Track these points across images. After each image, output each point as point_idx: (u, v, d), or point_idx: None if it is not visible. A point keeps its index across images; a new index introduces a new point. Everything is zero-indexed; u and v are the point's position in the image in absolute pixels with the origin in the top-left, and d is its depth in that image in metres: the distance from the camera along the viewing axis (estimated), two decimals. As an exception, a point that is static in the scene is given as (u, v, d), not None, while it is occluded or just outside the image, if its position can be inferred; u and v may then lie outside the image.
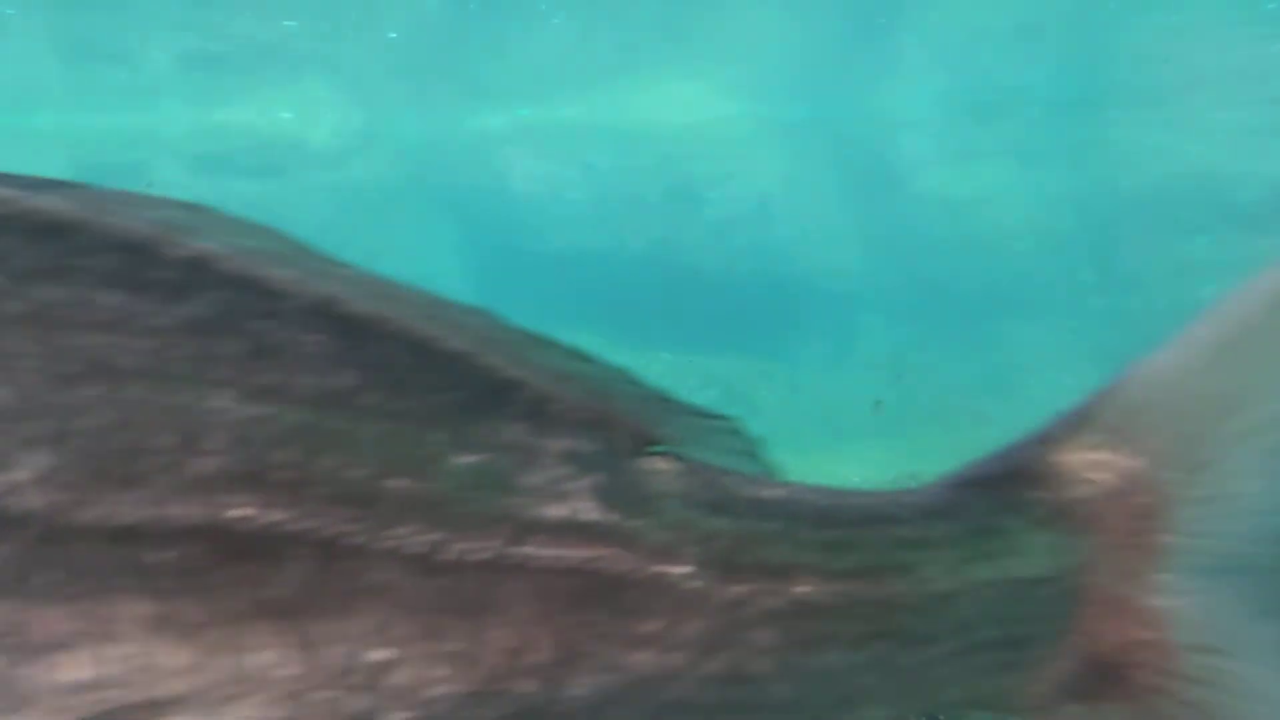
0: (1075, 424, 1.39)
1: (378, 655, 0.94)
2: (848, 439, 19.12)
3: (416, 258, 21.91)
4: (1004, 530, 1.23)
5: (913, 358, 21.27)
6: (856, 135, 24.38)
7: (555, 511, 1.03)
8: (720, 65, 22.51)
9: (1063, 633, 1.22)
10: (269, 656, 0.90)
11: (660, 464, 1.12)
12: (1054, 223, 22.93)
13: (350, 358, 1.02)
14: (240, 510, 0.91)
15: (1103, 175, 23.07)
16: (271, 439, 0.93)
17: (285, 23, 19.51)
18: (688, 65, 22.49)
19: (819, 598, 1.12)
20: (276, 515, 0.92)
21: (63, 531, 0.86)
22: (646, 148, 22.60)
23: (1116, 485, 1.26)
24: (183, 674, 0.87)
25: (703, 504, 1.11)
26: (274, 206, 20.74)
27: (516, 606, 0.99)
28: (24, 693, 0.83)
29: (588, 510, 1.04)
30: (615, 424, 1.10)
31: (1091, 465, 1.30)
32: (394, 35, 20.38)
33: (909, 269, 22.66)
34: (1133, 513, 1.24)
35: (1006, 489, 1.26)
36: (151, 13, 18.69)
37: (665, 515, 1.08)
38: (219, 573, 0.90)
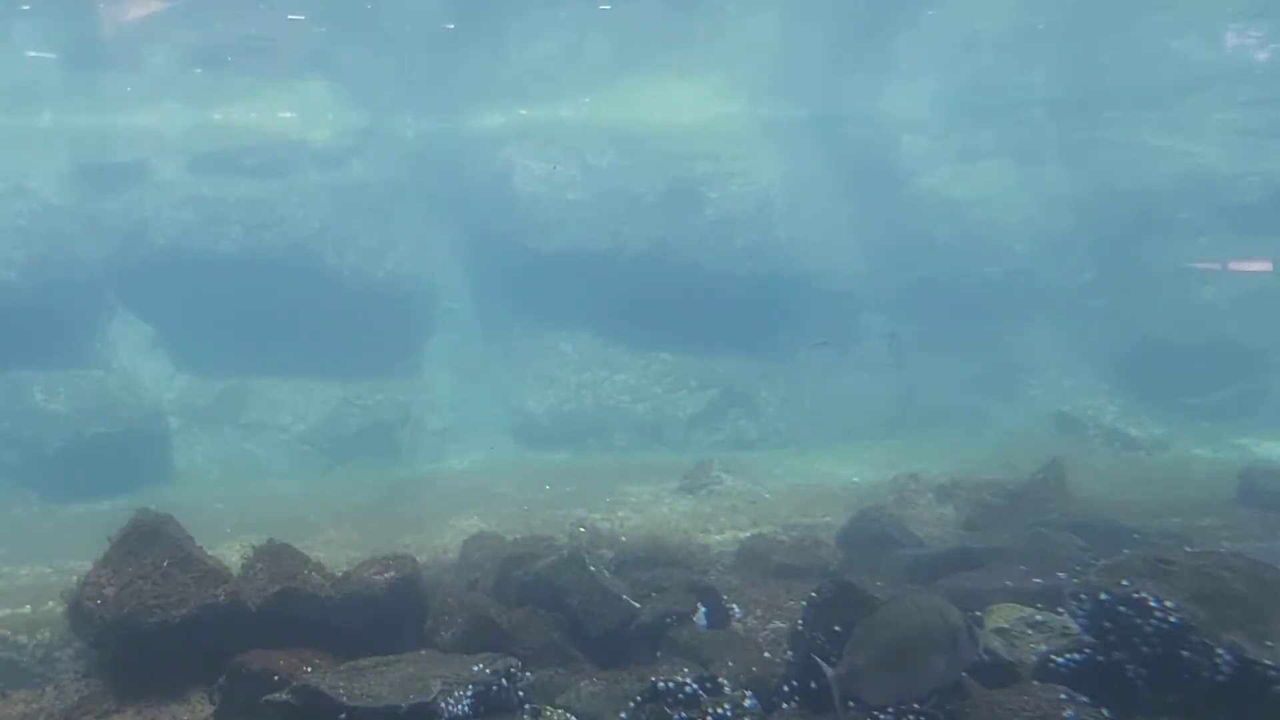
0: None
1: None
2: (848, 438, 19.13)
3: (416, 256, 21.92)
4: None
5: (912, 358, 21.23)
6: (856, 135, 24.38)
7: None
8: (720, 65, 22.51)
9: None
10: None
11: None
12: (1053, 223, 22.94)
13: None
14: None
15: (1102, 175, 23.07)
16: None
17: (286, 23, 19.48)
18: (690, 66, 22.48)
19: None
20: None
21: None
22: (647, 147, 22.58)
23: None
24: None
25: None
26: (274, 206, 20.74)
27: None
28: None
29: None
30: None
31: None
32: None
33: (908, 269, 22.63)
34: None
35: None
36: (153, 13, 18.67)
37: None
38: None
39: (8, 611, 8.98)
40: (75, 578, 7.50)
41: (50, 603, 8.09)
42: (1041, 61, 22.82)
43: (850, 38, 21.34)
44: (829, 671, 5.39)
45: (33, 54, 20.08)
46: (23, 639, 8.32)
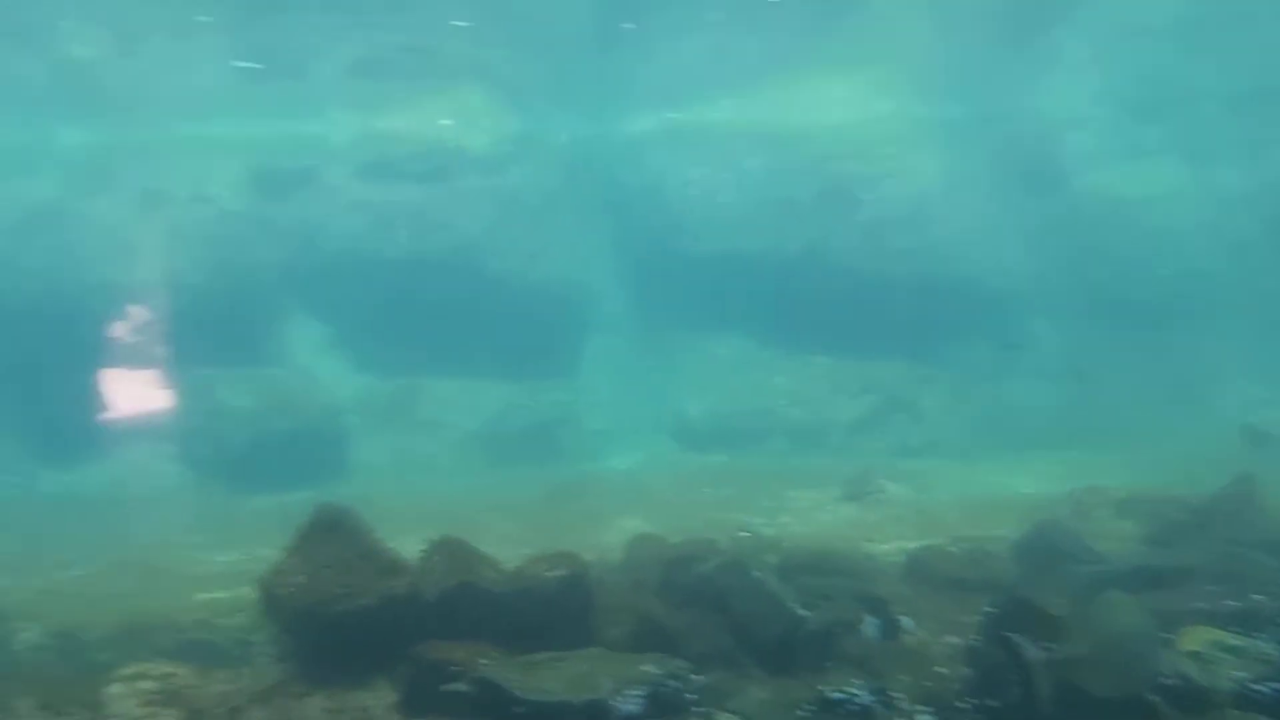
0: None
1: None
2: (1016, 448, 18.47)
3: (573, 259, 22.30)
4: None
5: (1085, 365, 20.39)
6: (1015, 133, 23.58)
7: None
8: (873, 63, 22.14)
9: None
10: None
11: None
12: (1231, 224, 21.70)
13: None
14: None
15: (1282, 174, 21.71)
16: None
17: (447, 31, 20.04)
18: (840, 64, 22.20)
19: None
20: None
21: None
22: (799, 148, 22.38)
23: None
24: None
25: None
26: (437, 211, 21.41)
27: None
28: None
29: None
30: None
31: None
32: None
33: (1075, 271, 21.75)
34: None
35: None
36: (320, 24, 19.48)
37: None
38: None
39: (211, 595, 9.55)
40: (265, 565, 7.86)
41: (244, 588, 8.47)
42: (1210, 55, 21.61)
43: (1007, 32, 20.73)
44: (1034, 656, 5.49)
45: (240, 64, 21.17)
46: (222, 621, 8.83)
